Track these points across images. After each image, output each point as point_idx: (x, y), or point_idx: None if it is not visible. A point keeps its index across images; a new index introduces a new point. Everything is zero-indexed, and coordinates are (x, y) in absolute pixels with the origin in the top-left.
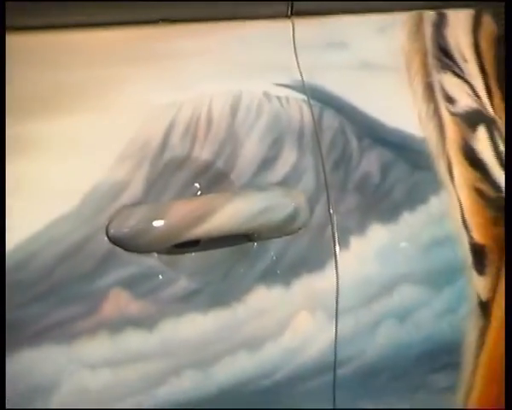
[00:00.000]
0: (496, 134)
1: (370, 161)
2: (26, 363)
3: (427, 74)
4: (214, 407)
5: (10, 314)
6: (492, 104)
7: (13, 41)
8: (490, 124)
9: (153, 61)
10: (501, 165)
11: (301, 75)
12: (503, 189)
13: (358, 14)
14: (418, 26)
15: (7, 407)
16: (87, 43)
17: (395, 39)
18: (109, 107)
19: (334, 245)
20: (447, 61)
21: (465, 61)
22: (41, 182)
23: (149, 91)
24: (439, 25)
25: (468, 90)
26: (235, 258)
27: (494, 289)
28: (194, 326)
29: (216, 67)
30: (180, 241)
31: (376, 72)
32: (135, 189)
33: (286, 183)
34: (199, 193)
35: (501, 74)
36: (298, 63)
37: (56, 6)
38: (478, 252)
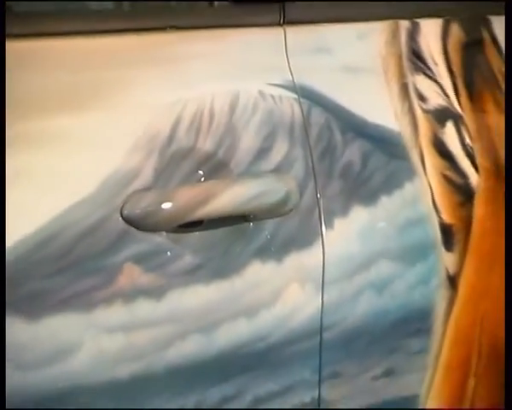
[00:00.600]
0: (462, 128)
1: (352, 152)
2: (50, 327)
3: (402, 76)
4: (214, 367)
5: (36, 286)
6: (459, 102)
7: (34, 46)
8: (457, 119)
9: (161, 63)
10: (467, 155)
11: (292, 76)
12: (469, 175)
13: (342, 23)
14: (394, 33)
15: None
16: (102, 48)
17: (374, 45)
18: (122, 104)
19: (321, 225)
20: (420, 64)
21: (435, 64)
22: (62, 171)
23: (158, 91)
24: (413, 32)
25: (437, 89)
26: (234, 236)
27: (461, 264)
28: (198, 296)
29: (216, 69)
30: (185, 221)
31: (358, 74)
32: (145, 176)
33: (278, 170)
34: (202, 179)
35: (467, 76)
36: (289, 66)
37: (75, 15)
38: (446, 231)
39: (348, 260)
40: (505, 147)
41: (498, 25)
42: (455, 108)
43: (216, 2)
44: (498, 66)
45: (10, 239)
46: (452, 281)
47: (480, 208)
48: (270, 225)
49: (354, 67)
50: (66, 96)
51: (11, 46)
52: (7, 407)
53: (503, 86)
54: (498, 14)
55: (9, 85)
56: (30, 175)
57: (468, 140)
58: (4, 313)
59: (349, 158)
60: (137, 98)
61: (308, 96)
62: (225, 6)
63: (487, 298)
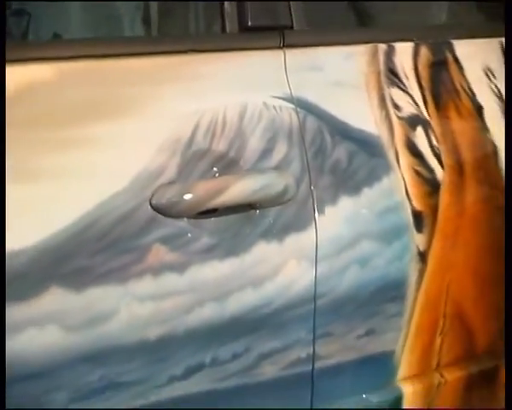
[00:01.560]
0: (430, 132)
1: (340, 152)
2: (92, 297)
3: (380, 89)
4: (227, 329)
5: (82, 262)
6: (427, 110)
7: (84, 66)
8: (426, 125)
9: (182, 80)
10: (434, 154)
11: (290, 90)
12: (436, 171)
13: (331, 46)
14: (374, 54)
15: None
16: (135, 68)
17: (358, 64)
18: (151, 114)
19: (314, 212)
20: (394, 79)
21: (407, 79)
22: (103, 167)
23: (180, 103)
24: (389, 53)
25: (409, 100)
26: (243, 221)
27: (429, 243)
28: (213, 271)
29: (228, 84)
30: (203, 209)
31: (344, 88)
32: (170, 172)
33: (279, 167)
34: (216, 175)
35: (434, 88)
36: (288, 81)
37: (113, 40)
38: (417, 216)
39: (337, 240)
40: (505, 147)
41: (459, 47)
42: (424, 116)
43: (227, 30)
44: (459, 80)
45: (61, 223)
46: (422, 257)
47: (444, 198)
48: (272, 212)
49: (341, 83)
50: (107, 106)
51: (66, 66)
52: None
53: (463, 97)
54: (460, 38)
55: (64, 97)
56: (77, 171)
57: (434, 142)
58: (4, 313)
59: (337, 157)
60: (163, 109)
61: (303, 107)
62: (235, 33)
63: (451, 270)
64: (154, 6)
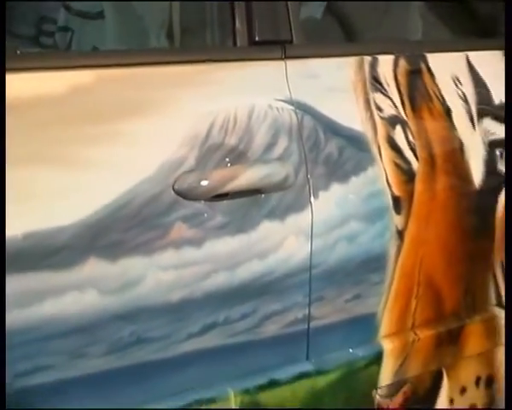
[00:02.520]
0: (407, 130)
1: (332, 146)
2: (124, 266)
3: (365, 94)
4: (237, 294)
5: (116, 237)
6: (405, 112)
7: (118, 73)
8: (403, 124)
9: (201, 85)
10: (410, 149)
11: (290, 94)
12: (412, 163)
13: (325, 58)
14: (360, 65)
15: None
16: (161, 74)
17: (347, 73)
18: (173, 113)
19: (310, 197)
20: (378, 85)
21: (388, 85)
22: (133, 158)
23: (198, 104)
24: (373, 64)
25: (390, 103)
26: (251, 204)
27: (406, 223)
28: (226, 245)
29: (238, 89)
30: (217, 193)
31: (336, 92)
32: (189, 162)
33: (281, 159)
34: (228, 164)
35: (410, 94)
36: (288, 87)
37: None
38: (396, 200)
39: (329, 220)
40: (505, 147)
41: (431, 60)
42: (402, 116)
43: (238, 44)
44: (431, 87)
45: (99, 204)
46: (400, 234)
47: (419, 185)
48: (275, 196)
49: (333, 88)
50: (137, 107)
51: (103, 73)
52: None
53: (435, 101)
54: (432, 52)
55: (102, 99)
56: (112, 161)
57: (411, 138)
58: (4, 312)
59: (329, 150)
60: (184, 109)
61: (301, 108)
62: (245, 47)
63: (424, 246)
64: (176, 23)
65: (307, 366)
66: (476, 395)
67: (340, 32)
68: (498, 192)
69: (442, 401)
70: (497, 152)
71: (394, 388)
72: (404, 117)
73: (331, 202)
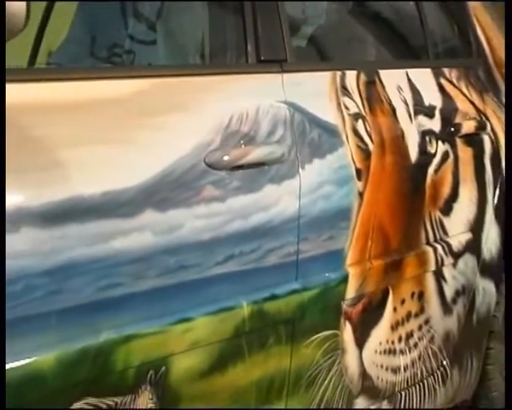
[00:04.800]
0: (366, 123)
1: (314, 134)
2: (170, 215)
3: (337, 98)
4: (246, 235)
5: (163, 196)
6: (364, 110)
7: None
8: (363, 119)
9: (221, 89)
10: (368, 136)
11: (286, 97)
12: (369, 145)
13: (309, 72)
14: (334, 77)
15: None
16: (189, 83)
17: (324, 83)
18: (203, 110)
19: (298, 168)
20: (345, 92)
21: (353, 92)
22: (175, 140)
23: (221, 104)
24: (342, 77)
25: (354, 104)
26: (258, 172)
27: (364, 187)
28: (240, 201)
29: (249, 93)
30: (235, 165)
31: (317, 97)
32: (215, 144)
33: (279, 142)
34: (243, 146)
35: (368, 97)
36: (284, 92)
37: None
38: (358, 171)
39: (311, 184)
40: (505, 147)
41: (382, 74)
42: (362, 113)
43: (249, 61)
44: (382, 93)
45: (153, 172)
46: (360, 195)
47: (373, 161)
48: (275, 167)
49: (315, 94)
50: (178, 104)
51: (153, 81)
52: None
53: (385, 103)
54: (383, 69)
55: (152, 99)
56: (161, 142)
57: (368, 128)
58: (4, 312)
59: (312, 136)
60: (210, 107)
61: (293, 107)
62: (254, 63)
63: (377, 203)
64: (206, 47)
65: (296, 285)
66: (411, 305)
67: (319, 54)
68: (427, 166)
69: (388, 308)
70: (427, 138)
71: (356, 300)
72: (364, 114)
73: (313, 172)
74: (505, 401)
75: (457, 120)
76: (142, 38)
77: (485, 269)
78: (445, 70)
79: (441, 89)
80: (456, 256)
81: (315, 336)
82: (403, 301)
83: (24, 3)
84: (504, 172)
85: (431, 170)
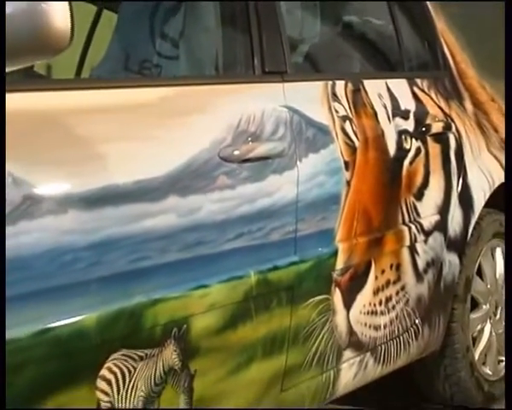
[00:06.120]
0: (352, 124)
1: (309, 132)
2: (189, 200)
3: (328, 103)
4: (255, 216)
5: (185, 183)
6: (351, 113)
7: (181, 89)
8: (350, 120)
9: (233, 96)
10: (354, 134)
11: (286, 102)
12: (355, 142)
13: (304, 82)
14: (325, 86)
15: None
16: (206, 90)
17: (318, 91)
18: (216, 112)
19: (297, 161)
20: (336, 98)
21: (341, 98)
22: (194, 138)
23: (232, 107)
24: (333, 87)
25: (342, 108)
26: (263, 164)
27: (351, 177)
28: (248, 188)
29: (256, 99)
30: (244, 159)
31: (311, 102)
32: (227, 141)
33: (280, 139)
34: (250, 142)
35: (354, 103)
36: (285, 98)
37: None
38: (346, 163)
39: (307, 174)
40: (505, 146)
41: (366, 84)
42: (349, 115)
43: (256, 73)
44: (366, 99)
45: (176, 164)
46: (348, 183)
47: (359, 155)
48: (277, 161)
49: (310, 99)
50: (196, 107)
51: (175, 89)
52: None
53: (368, 107)
54: (367, 79)
55: (174, 104)
56: (183, 139)
57: (354, 128)
58: (4, 313)
59: (308, 135)
60: (223, 110)
61: (292, 110)
62: (260, 74)
63: (362, 191)
64: (220, 61)
65: (295, 258)
66: (390, 274)
67: (314, 67)
68: (403, 160)
69: (371, 277)
70: (403, 137)
71: (344, 270)
72: (351, 116)
73: (309, 165)
74: (505, 401)
75: (428, 121)
76: (167, 54)
77: (451, 245)
78: (418, 80)
79: (414, 96)
80: (427, 234)
81: (310, 300)
82: (383, 271)
83: (68, 23)
84: (504, 171)
85: (406, 163)
